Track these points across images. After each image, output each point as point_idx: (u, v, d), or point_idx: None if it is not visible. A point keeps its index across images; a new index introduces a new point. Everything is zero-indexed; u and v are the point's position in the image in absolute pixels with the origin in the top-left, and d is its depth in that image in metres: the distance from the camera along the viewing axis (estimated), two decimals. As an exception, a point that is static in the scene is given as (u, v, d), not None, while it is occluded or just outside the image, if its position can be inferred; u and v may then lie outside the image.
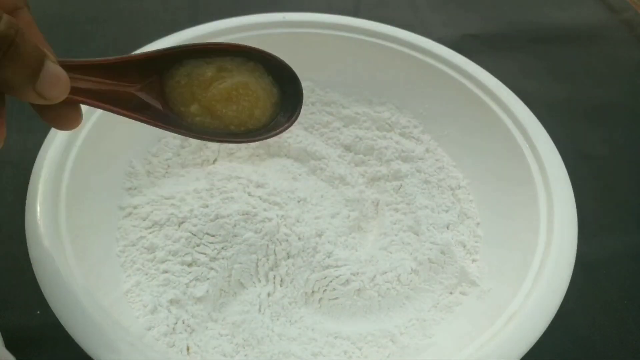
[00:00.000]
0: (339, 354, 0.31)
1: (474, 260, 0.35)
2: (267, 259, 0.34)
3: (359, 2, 0.62)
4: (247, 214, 0.35)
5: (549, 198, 0.30)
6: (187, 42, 0.39)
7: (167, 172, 0.39)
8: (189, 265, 0.33)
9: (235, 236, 0.34)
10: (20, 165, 0.40)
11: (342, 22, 0.42)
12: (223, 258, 0.33)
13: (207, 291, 0.32)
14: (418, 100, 0.41)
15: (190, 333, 0.30)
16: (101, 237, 0.33)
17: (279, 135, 0.42)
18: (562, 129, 0.38)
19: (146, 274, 0.32)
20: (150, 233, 0.34)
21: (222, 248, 0.34)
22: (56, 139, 0.32)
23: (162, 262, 0.33)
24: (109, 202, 0.35)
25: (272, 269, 0.34)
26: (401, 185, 0.39)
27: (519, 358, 0.24)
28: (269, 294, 0.34)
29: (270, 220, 0.35)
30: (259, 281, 0.34)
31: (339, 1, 0.61)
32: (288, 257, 0.35)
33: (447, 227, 0.37)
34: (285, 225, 0.35)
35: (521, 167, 0.33)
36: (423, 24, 0.59)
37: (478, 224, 0.37)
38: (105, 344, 0.23)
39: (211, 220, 0.34)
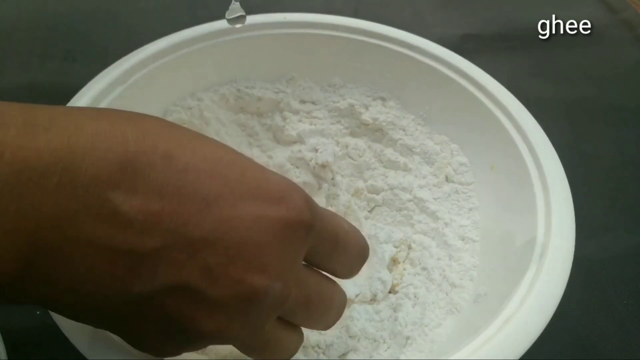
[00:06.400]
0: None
1: (472, 261, 0.35)
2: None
3: (359, 2, 0.62)
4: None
5: (546, 199, 0.30)
6: (187, 42, 0.39)
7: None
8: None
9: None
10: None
11: (342, 22, 0.42)
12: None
13: (207, 291, 0.32)
14: (418, 102, 0.41)
15: (190, 333, 0.30)
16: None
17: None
18: (561, 129, 0.38)
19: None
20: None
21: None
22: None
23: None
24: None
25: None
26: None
27: (518, 358, 0.24)
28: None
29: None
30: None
31: (339, 1, 0.61)
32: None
33: (447, 228, 0.37)
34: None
35: (520, 169, 0.33)
36: (423, 24, 0.59)
37: (477, 225, 0.36)
38: (104, 345, 0.23)
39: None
